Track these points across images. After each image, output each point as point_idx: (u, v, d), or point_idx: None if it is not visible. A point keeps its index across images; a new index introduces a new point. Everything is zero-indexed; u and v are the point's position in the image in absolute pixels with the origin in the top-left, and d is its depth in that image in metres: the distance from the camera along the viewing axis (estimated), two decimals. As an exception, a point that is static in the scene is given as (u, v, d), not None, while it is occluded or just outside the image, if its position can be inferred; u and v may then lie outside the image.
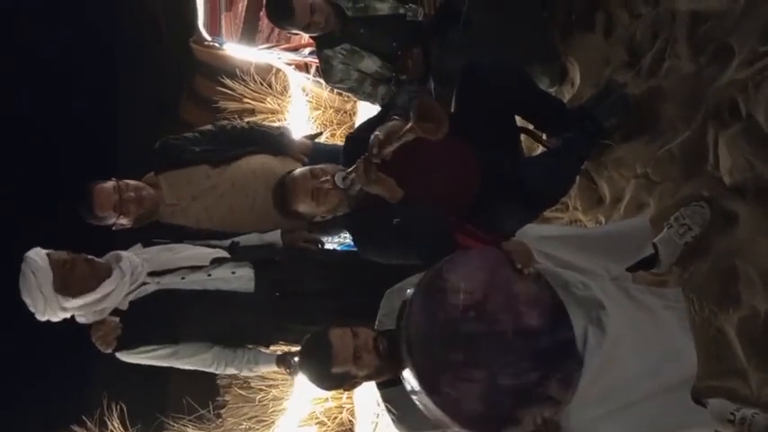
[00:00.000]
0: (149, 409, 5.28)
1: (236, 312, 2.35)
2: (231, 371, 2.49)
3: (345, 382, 1.84)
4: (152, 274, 2.33)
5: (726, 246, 2.12)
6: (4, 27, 7.68)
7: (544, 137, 2.66)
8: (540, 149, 2.78)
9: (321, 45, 2.96)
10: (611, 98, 2.47)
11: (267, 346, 2.66)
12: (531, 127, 2.65)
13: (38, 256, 2.22)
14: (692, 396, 1.87)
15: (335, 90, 4.52)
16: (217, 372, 2.47)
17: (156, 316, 2.29)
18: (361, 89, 3.00)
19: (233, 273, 2.34)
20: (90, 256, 2.31)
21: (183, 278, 2.33)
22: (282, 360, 2.51)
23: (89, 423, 5.09)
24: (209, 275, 2.33)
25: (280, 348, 3.40)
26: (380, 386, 1.88)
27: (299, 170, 2.28)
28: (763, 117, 2.03)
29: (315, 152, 2.85)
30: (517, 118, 2.58)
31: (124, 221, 2.54)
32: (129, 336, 2.29)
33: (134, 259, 2.31)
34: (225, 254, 2.40)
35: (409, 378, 1.73)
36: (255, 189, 2.62)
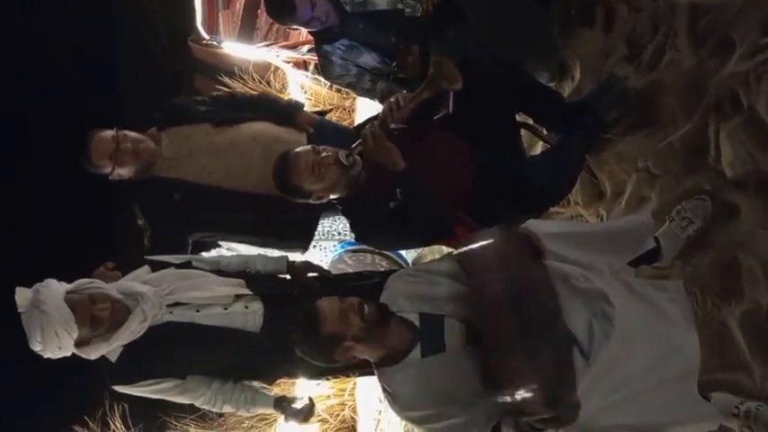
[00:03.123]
0: (151, 408, 5.25)
1: (244, 352, 2.31)
2: (228, 409, 2.42)
3: (338, 347, 1.80)
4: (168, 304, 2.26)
5: (728, 239, 2.11)
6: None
7: (544, 131, 2.65)
8: (541, 144, 2.78)
9: (320, 40, 2.96)
10: (612, 92, 2.47)
11: (270, 384, 2.64)
12: (530, 122, 2.65)
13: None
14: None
15: (334, 86, 4.52)
16: (213, 409, 2.41)
17: (163, 350, 2.22)
18: (360, 85, 2.99)
19: (246, 307, 2.31)
20: (113, 298, 2.15)
21: (197, 311, 2.27)
22: (279, 404, 2.48)
23: (91, 423, 5.08)
24: (225, 309, 2.29)
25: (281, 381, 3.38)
26: (377, 365, 1.88)
27: (302, 146, 2.29)
28: (765, 109, 2.03)
29: (321, 127, 2.85)
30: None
31: (123, 172, 2.55)
32: (131, 368, 2.23)
33: (155, 301, 2.20)
34: (243, 287, 2.34)
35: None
36: (253, 153, 2.62)
